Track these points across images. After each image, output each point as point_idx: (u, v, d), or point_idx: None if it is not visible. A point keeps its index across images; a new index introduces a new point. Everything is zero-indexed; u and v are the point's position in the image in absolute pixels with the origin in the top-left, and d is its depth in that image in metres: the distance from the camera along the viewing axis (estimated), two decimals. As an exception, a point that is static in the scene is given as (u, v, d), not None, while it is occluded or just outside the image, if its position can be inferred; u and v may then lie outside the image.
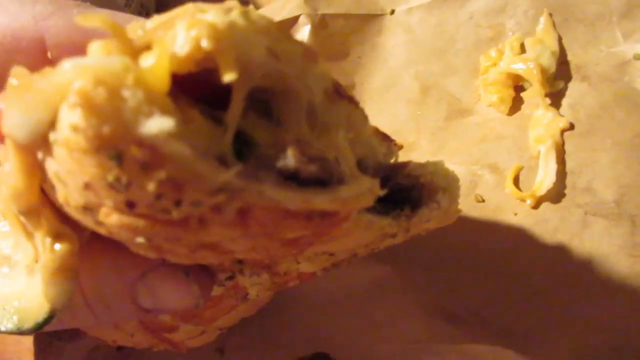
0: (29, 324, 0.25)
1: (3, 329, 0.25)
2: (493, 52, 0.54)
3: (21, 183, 0.22)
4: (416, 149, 0.54)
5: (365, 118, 0.31)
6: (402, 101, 0.56)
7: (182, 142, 0.19)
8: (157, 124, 0.19)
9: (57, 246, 0.23)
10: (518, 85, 0.53)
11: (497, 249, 0.48)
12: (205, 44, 0.20)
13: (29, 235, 0.25)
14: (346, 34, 0.58)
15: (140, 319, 0.41)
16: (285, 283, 0.38)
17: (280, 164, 0.22)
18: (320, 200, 0.22)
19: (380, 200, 0.29)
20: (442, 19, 0.56)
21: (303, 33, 0.57)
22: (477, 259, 0.48)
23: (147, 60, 0.20)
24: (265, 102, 0.24)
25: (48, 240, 0.23)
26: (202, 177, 0.20)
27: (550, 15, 0.54)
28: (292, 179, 0.22)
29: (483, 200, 0.50)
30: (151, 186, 0.19)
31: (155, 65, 0.20)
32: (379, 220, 0.29)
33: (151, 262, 0.25)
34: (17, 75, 0.21)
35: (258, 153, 0.23)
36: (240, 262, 0.33)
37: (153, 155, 0.19)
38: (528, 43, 0.53)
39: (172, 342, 0.45)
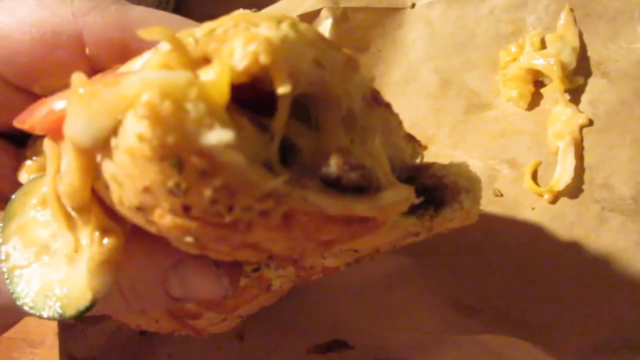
0: (71, 311, 0.26)
1: (45, 315, 0.26)
2: (513, 47, 0.54)
3: (77, 182, 0.23)
4: (435, 143, 0.55)
5: (399, 123, 0.32)
6: (422, 95, 0.56)
7: (238, 152, 0.20)
8: (217, 136, 0.20)
9: (105, 240, 0.25)
10: (538, 81, 0.54)
11: (514, 243, 0.49)
12: (262, 58, 0.21)
13: (71, 227, 0.26)
14: (367, 28, 0.58)
15: (170, 307, 0.42)
16: (309, 277, 0.40)
17: (323, 171, 0.23)
18: (360, 207, 0.24)
19: None
20: (463, 13, 0.57)
21: (324, 26, 0.57)
22: (494, 252, 0.49)
23: (207, 75, 0.21)
24: (305, 107, 0.25)
25: (97, 234, 0.25)
26: (253, 185, 0.21)
27: (572, 10, 0.54)
28: (333, 185, 0.23)
29: (501, 195, 0.51)
30: (208, 192, 0.21)
31: (216, 80, 0.21)
32: (404, 220, 0.30)
33: (183, 253, 0.26)
34: (81, 83, 0.22)
35: (301, 160, 0.24)
36: (270, 256, 0.34)
37: (211, 164, 0.20)
38: (549, 39, 0.54)
39: (194, 328, 0.47)
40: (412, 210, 0.31)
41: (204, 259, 0.29)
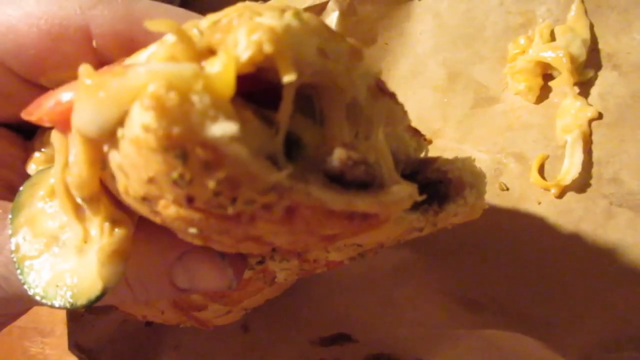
0: (82, 300, 0.26)
1: (57, 304, 0.27)
2: (522, 40, 0.53)
3: (85, 172, 0.24)
4: (442, 136, 0.54)
5: (404, 114, 0.32)
6: (429, 88, 0.56)
7: (242, 145, 0.20)
8: (222, 128, 0.20)
9: (115, 231, 0.25)
10: (547, 74, 0.53)
11: (520, 237, 0.48)
12: (266, 47, 0.21)
13: (80, 218, 0.27)
14: (374, 20, 0.58)
15: (175, 298, 0.43)
16: (313, 270, 0.40)
17: (327, 166, 0.23)
18: (363, 203, 0.24)
19: None
20: (472, 5, 0.56)
21: (331, 19, 0.57)
22: (499, 247, 0.48)
23: (213, 67, 0.21)
24: (309, 99, 0.25)
25: (107, 224, 0.25)
26: (256, 178, 0.21)
27: (582, 2, 0.53)
28: (337, 180, 0.23)
29: (507, 189, 0.50)
30: (211, 184, 0.21)
31: (222, 72, 0.21)
32: (408, 215, 0.30)
33: (188, 244, 0.26)
34: (89, 75, 0.22)
35: (305, 154, 0.24)
36: (273, 249, 0.34)
37: (215, 156, 0.20)
38: (558, 31, 0.53)
39: (199, 320, 0.47)
40: (417, 205, 0.31)
41: (209, 251, 0.30)
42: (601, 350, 0.44)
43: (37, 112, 0.28)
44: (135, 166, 0.22)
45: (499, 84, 0.54)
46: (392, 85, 0.57)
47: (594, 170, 0.48)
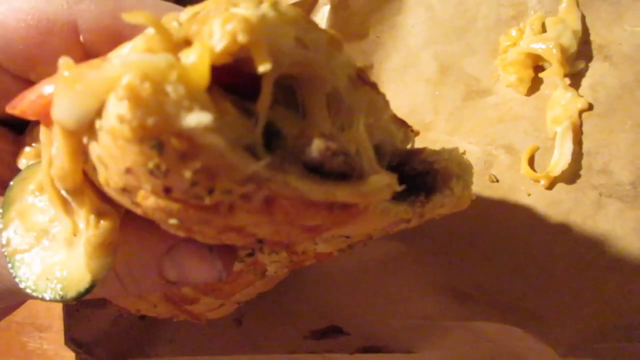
0: (72, 293, 0.27)
1: (47, 297, 0.27)
2: (514, 32, 0.53)
3: (67, 164, 0.24)
4: (433, 129, 0.54)
5: (386, 103, 0.32)
6: (421, 81, 0.56)
7: (217, 135, 0.21)
8: (196, 118, 0.20)
9: (101, 223, 0.25)
10: (538, 66, 0.53)
11: (509, 229, 0.48)
12: (240, 37, 0.21)
13: (68, 211, 0.27)
14: (366, 13, 0.58)
15: (165, 290, 0.43)
16: (303, 262, 0.40)
17: (306, 156, 0.24)
18: (342, 193, 0.24)
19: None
20: (463, -3, 0.56)
21: (323, 13, 0.57)
22: (489, 238, 0.48)
23: (188, 57, 0.22)
24: (291, 90, 0.25)
25: (92, 217, 0.25)
26: (234, 168, 0.21)
27: (574, -7, 0.53)
28: (316, 171, 0.24)
29: (497, 180, 0.50)
30: (187, 174, 0.21)
31: (197, 63, 0.21)
32: (394, 207, 0.30)
33: (177, 237, 0.27)
34: (67, 67, 0.22)
35: (285, 144, 0.24)
36: (260, 241, 0.34)
37: (191, 146, 0.20)
38: (549, 22, 0.52)
39: (192, 313, 0.47)
40: (403, 197, 0.32)
41: (197, 243, 0.30)
42: (590, 340, 0.45)
43: (20, 105, 0.28)
44: (113, 157, 0.22)
45: (490, 76, 0.54)
46: (384, 78, 0.58)
47: (584, 162, 0.48)
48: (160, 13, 0.27)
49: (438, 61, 0.56)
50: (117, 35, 0.33)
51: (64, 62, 0.22)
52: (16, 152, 0.35)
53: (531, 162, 0.50)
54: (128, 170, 0.22)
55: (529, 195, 0.49)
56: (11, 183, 0.30)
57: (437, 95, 0.55)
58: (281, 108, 0.25)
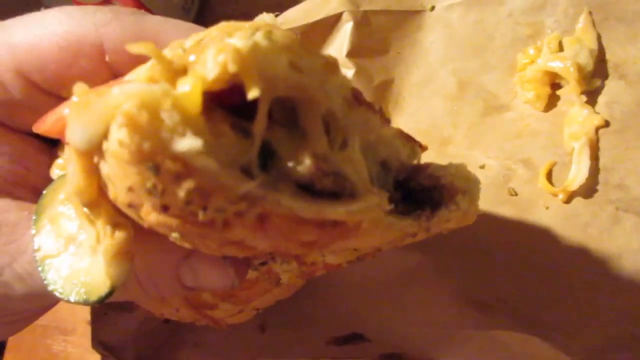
0: (94, 297, 0.29)
1: (72, 300, 0.29)
2: (531, 50, 0.55)
3: (82, 182, 0.26)
4: (452, 144, 0.56)
5: (383, 122, 0.33)
6: (440, 97, 0.58)
7: (209, 157, 0.22)
8: (188, 143, 0.22)
9: (117, 233, 0.27)
10: (555, 83, 0.55)
11: (528, 241, 0.50)
12: (230, 67, 0.23)
13: (91, 221, 0.29)
14: (387, 30, 0.60)
15: (183, 295, 0.45)
16: (313, 272, 0.41)
17: (297, 176, 0.25)
18: (332, 212, 0.25)
19: (402, 201, 0.31)
20: (482, 16, 0.58)
21: (345, 30, 0.59)
22: (508, 250, 0.50)
23: (183, 86, 0.24)
24: (292, 111, 0.27)
25: (108, 227, 0.27)
26: (225, 187, 0.23)
27: (590, 13, 0.54)
28: (308, 190, 0.25)
29: (516, 194, 0.52)
30: (182, 193, 0.23)
31: (190, 92, 0.23)
32: (399, 221, 0.31)
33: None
34: (78, 93, 0.24)
35: (279, 164, 0.25)
36: (269, 253, 0.36)
37: (184, 168, 0.22)
38: (566, 41, 0.54)
39: (212, 318, 0.49)
40: (409, 211, 0.33)
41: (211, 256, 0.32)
42: (608, 351, 0.46)
43: (43, 126, 0.31)
44: (118, 176, 0.24)
45: (508, 92, 0.56)
46: (405, 93, 0.59)
47: (601, 177, 0.50)
48: (181, 33, 0.29)
49: (457, 77, 0.58)
50: (140, 55, 0.35)
51: (78, 88, 0.24)
52: (50, 164, 0.37)
53: (549, 176, 0.51)
54: (130, 189, 0.24)
55: (547, 208, 0.50)
56: (44, 192, 0.32)
57: (455, 111, 0.57)
58: (280, 128, 0.26)
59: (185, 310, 0.48)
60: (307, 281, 0.49)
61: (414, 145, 0.38)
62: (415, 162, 0.38)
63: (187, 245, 0.27)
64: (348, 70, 0.59)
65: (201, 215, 0.23)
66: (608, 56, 0.54)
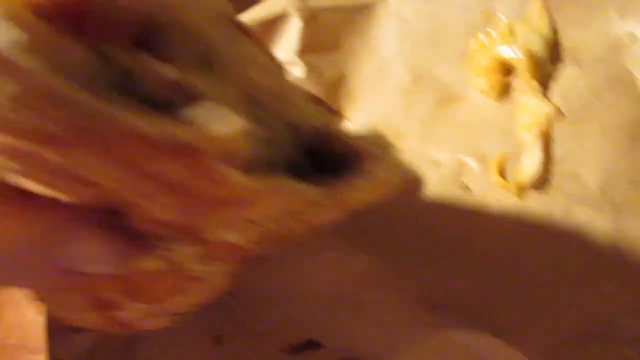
0: None
1: None
2: (483, 37, 0.53)
3: None
4: (407, 137, 0.54)
5: (279, 66, 0.30)
6: (393, 91, 0.56)
7: (37, 58, 0.19)
8: (4, 34, 0.19)
9: None
10: (508, 71, 0.53)
11: (482, 238, 0.48)
12: None
13: None
14: (337, 26, 0.58)
15: (58, 276, 0.38)
16: (224, 257, 0.36)
17: (138, 88, 0.22)
18: (182, 132, 0.22)
19: (309, 167, 0.29)
20: (434, 7, 0.56)
21: (294, 27, 0.57)
22: (462, 248, 0.48)
23: None
24: (164, 39, 0.24)
25: None
26: (55, 95, 0.20)
27: (544, -4, 0.52)
28: (157, 106, 0.22)
29: (468, 189, 0.50)
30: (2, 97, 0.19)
31: None
32: (301, 187, 0.27)
33: (58, 217, 0.25)
34: None
35: (133, 85, 0.23)
36: (159, 223, 0.30)
37: (5, 65, 0.19)
38: (518, 27, 0.52)
39: (122, 322, 0.44)
40: (302, 174, 0.29)
41: (86, 223, 0.28)
42: (566, 347, 0.44)
43: None
44: None
45: (463, 83, 0.54)
46: (357, 89, 0.58)
47: (554, 168, 0.48)
48: None
49: (411, 70, 0.56)
50: None
51: None
52: None
53: (502, 170, 0.49)
54: None
55: (501, 203, 0.49)
56: None
57: (410, 104, 0.55)
58: (145, 54, 0.24)
59: (89, 314, 0.43)
60: (261, 288, 0.48)
61: (323, 109, 0.35)
62: (329, 127, 0.34)
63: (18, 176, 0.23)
64: (298, 69, 0.57)
65: (27, 124, 0.20)
66: (562, 41, 0.52)
